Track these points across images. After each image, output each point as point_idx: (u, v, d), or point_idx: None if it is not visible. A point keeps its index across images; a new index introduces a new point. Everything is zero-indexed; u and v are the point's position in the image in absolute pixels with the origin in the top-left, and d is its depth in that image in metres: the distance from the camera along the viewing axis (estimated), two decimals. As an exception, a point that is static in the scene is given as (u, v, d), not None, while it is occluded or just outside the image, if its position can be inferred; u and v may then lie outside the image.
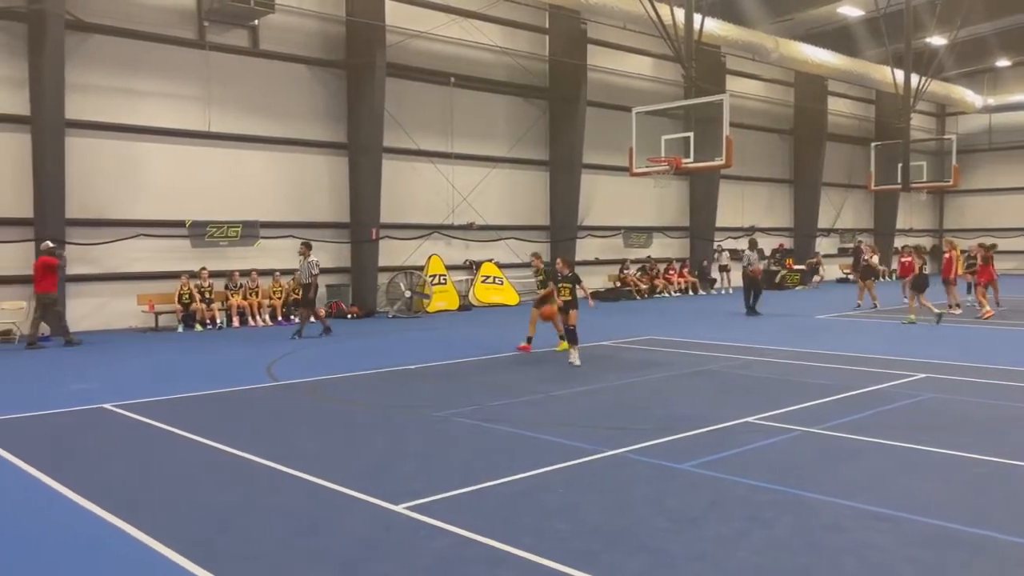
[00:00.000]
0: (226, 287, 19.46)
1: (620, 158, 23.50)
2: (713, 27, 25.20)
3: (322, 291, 21.49)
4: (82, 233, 17.64)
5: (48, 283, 15.74)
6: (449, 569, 4.85)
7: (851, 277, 32.03)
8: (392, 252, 22.53)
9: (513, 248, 25.67)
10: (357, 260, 22.01)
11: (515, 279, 25.35)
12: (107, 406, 9.70)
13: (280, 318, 19.86)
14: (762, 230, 33.59)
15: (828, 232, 37.02)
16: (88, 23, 17.64)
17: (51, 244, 16.08)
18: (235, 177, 20.00)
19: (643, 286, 27.54)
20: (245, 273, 19.72)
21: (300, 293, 17.29)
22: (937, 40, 31.47)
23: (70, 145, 17.23)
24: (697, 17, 21.15)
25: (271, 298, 19.98)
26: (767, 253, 32.18)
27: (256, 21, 19.96)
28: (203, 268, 18.81)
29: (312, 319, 17.02)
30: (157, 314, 18.54)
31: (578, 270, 26.33)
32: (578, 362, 12.29)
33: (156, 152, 18.81)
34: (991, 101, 39.19)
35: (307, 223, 21.24)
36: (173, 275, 18.67)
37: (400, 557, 5.01)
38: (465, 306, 23.43)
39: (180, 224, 19.05)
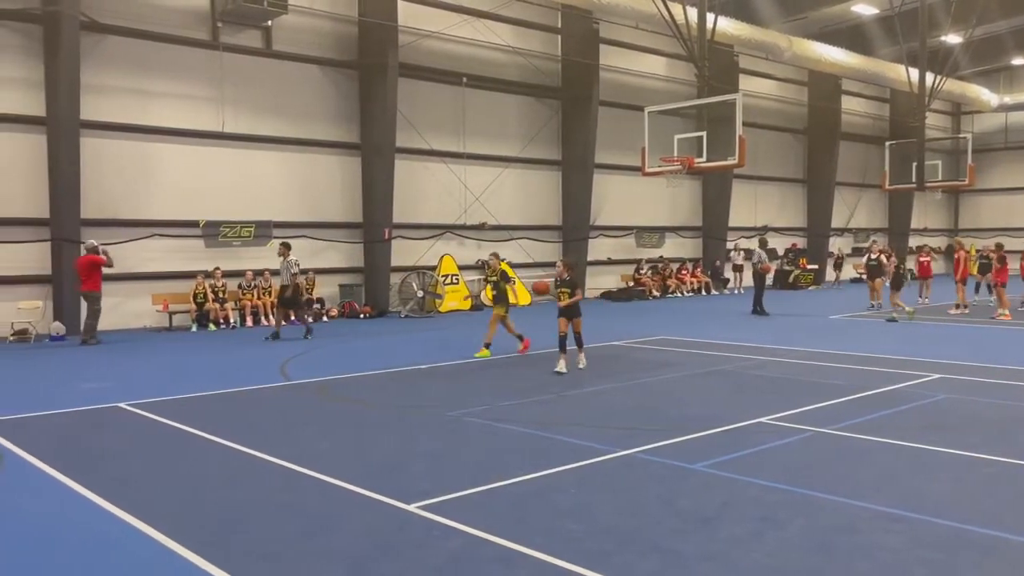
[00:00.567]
0: (239, 287, 19.56)
1: (633, 158, 23.49)
2: (726, 26, 25.14)
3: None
4: (97, 233, 17.72)
5: (93, 282, 16.09)
6: (462, 569, 4.86)
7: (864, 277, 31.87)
8: (404, 252, 22.58)
9: (525, 248, 25.69)
10: (370, 260, 22.07)
11: (528, 279, 25.34)
12: (122, 405, 9.77)
13: (293, 318, 19.91)
14: (775, 230, 33.48)
15: (842, 232, 36.83)
16: (103, 24, 17.77)
17: (95, 243, 16.31)
18: (248, 177, 20.10)
19: (654, 287, 27.47)
20: (258, 273, 19.81)
21: (280, 294, 16.81)
22: (952, 38, 31.26)
23: (85, 145, 17.36)
24: (710, 16, 21.09)
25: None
26: (780, 253, 32.10)
27: (269, 22, 20.06)
28: (216, 268, 18.91)
29: (295, 320, 16.87)
30: (171, 314, 18.66)
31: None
32: (584, 364, 12.11)
33: (170, 152, 18.93)
34: (1007, 100, 38.91)
35: (320, 223, 21.34)
36: (187, 275, 18.79)
37: (413, 556, 5.02)
38: (477, 306, 23.45)
39: (194, 224, 19.16)
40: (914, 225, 39.61)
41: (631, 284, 27.57)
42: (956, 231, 42.24)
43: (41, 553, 5.24)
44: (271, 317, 19.59)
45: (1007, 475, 6.71)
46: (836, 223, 35.87)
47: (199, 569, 4.86)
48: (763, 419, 8.62)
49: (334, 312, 21.12)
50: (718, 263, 30.41)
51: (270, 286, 19.82)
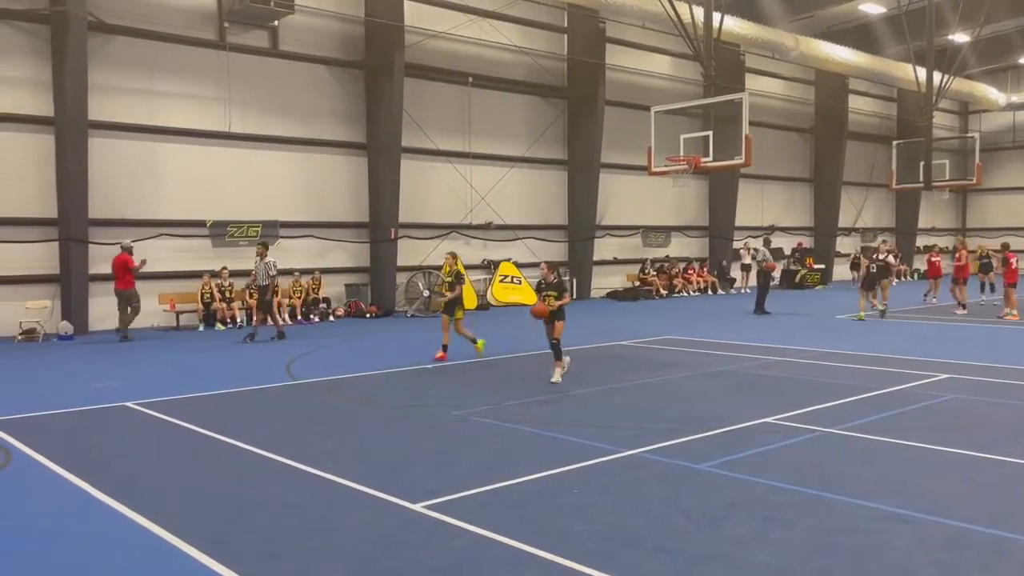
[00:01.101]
0: (246, 286, 19.58)
1: (639, 157, 23.47)
2: (732, 25, 25.07)
3: (340, 290, 21.66)
4: (104, 233, 17.82)
5: (124, 281, 16.44)
6: (468, 568, 4.86)
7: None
8: (410, 252, 22.60)
9: (531, 248, 25.69)
10: (376, 260, 22.10)
11: (533, 279, 25.31)
12: (129, 404, 9.80)
13: (300, 317, 19.98)
14: (782, 229, 33.40)
15: (849, 231, 36.72)
16: (110, 24, 17.82)
17: (130, 243, 16.57)
18: (255, 177, 20.14)
19: (660, 287, 27.45)
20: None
21: (256, 295, 16.51)
22: (960, 37, 31.14)
23: (93, 145, 17.42)
24: (716, 15, 21.05)
25: (290, 297, 20.10)
26: (786, 252, 32.02)
27: (276, 22, 20.10)
28: (224, 268, 18.95)
29: (269, 321, 16.75)
30: (178, 313, 18.71)
31: (596, 269, 26.95)
32: (559, 379, 10.98)
33: (177, 152, 18.98)
34: (1015, 99, 38.72)
35: (326, 223, 21.37)
36: (194, 275, 18.84)
37: (418, 556, 5.03)
38: (483, 305, 23.45)
39: (201, 224, 19.22)
40: (921, 225, 39.49)
41: (637, 284, 27.54)
42: (964, 231, 42.07)
43: (48, 550, 5.26)
44: (278, 317, 19.62)
45: (1016, 476, 6.69)
46: (843, 223, 35.77)
47: (206, 567, 4.88)
48: (769, 419, 8.60)
49: (340, 312, 21.15)
50: (724, 263, 30.35)
51: (276, 286, 19.82)
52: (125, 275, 16.45)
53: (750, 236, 31.66)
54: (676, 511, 5.79)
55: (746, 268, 29.47)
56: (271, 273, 16.11)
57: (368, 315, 21.06)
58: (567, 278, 24.15)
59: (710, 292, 29.02)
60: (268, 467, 7.08)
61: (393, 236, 21.69)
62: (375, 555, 5.06)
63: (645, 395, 10.33)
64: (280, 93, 20.47)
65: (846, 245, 36.18)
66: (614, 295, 26.94)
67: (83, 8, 16.91)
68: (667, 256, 29.07)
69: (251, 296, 18.45)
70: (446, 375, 12.00)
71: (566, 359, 11.33)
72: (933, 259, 24.03)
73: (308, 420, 9.08)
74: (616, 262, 27.98)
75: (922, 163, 30.27)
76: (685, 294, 28.11)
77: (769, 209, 33.41)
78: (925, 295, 23.85)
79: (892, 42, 32.08)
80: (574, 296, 26.46)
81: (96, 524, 5.71)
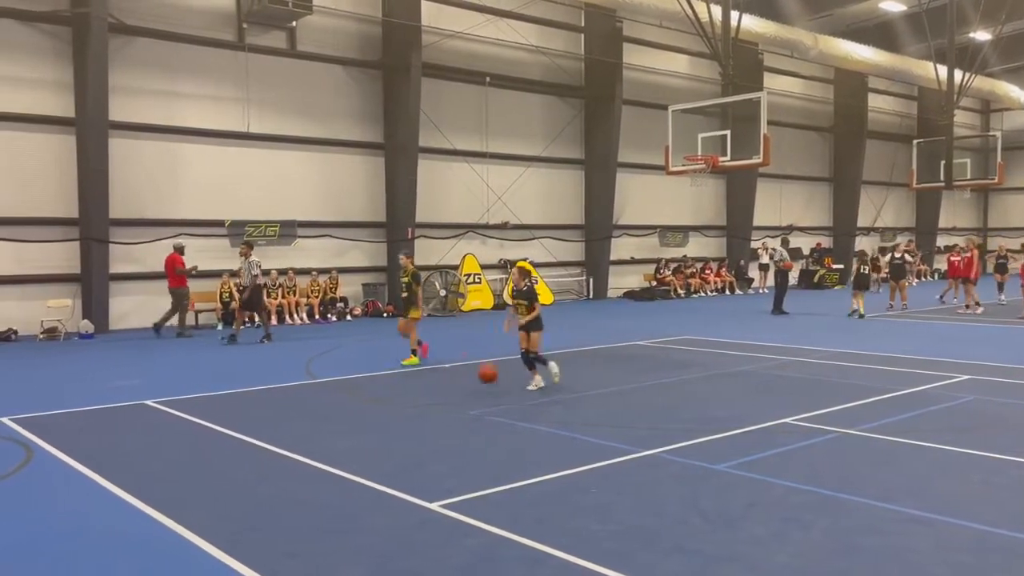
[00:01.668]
0: (264, 286, 19.68)
1: (656, 157, 23.40)
2: (750, 24, 24.95)
3: (357, 289, 21.74)
4: (125, 232, 17.98)
5: (174, 280, 16.81)
6: (485, 568, 4.87)
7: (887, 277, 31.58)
8: (427, 251, 22.65)
9: (548, 247, 25.68)
10: (393, 259, 22.03)
11: (550, 278, 25.36)
12: (149, 403, 9.89)
13: (317, 316, 20.08)
14: (800, 229, 33.20)
15: (868, 231, 36.44)
16: (131, 26, 17.98)
17: (181, 243, 16.91)
18: (273, 177, 20.26)
19: (678, 286, 27.36)
20: (282, 272, 19.97)
21: (240, 295, 16.26)
22: (981, 35, 30.80)
23: (113, 146, 17.57)
24: (734, 14, 20.95)
25: (308, 297, 20.21)
26: (805, 252, 31.82)
27: (294, 22, 20.19)
28: (242, 267, 19.01)
29: (253, 322, 16.68)
30: (197, 312, 18.85)
31: (613, 269, 26.90)
32: (542, 384, 10.40)
33: (196, 153, 19.12)
34: (1037, 97, 38.26)
35: (344, 223, 21.46)
36: (213, 274, 18.95)
37: (435, 555, 5.04)
38: (500, 305, 23.46)
39: (220, 224, 19.34)
40: (942, 224, 39.12)
41: (654, 283, 27.47)
42: (985, 230, 41.63)
43: (68, 548, 5.32)
44: (296, 316, 19.76)
45: (1037, 478, 6.62)
46: (862, 222, 35.50)
47: (226, 566, 4.91)
48: (787, 420, 8.56)
49: (357, 311, 21.23)
50: (742, 262, 30.20)
51: (294, 285, 19.98)
52: (174, 274, 16.85)
53: (768, 236, 31.47)
54: (694, 511, 5.78)
55: (764, 268, 29.32)
56: (253, 272, 15.81)
57: (385, 314, 21.12)
58: (535, 283, 23.77)
59: (728, 292, 28.89)
60: (287, 466, 7.12)
61: (410, 236, 21.74)
62: (393, 554, 5.08)
63: (662, 395, 10.30)
64: (298, 93, 20.57)
65: (865, 245, 35.86)
66: (631, 295, 26.88)
67: (104, 10, 17.06)
68: (684, 256, 28.96)
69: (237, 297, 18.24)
70: (462, 375, 12.01)
71: (553, 365, 10.61)
72: (952, 259, 23.82)
73: (326, 419, 9.12)
74: (633, 262, 27.92)
75: (943, 162, 29.98)
76: (702, 294, 28.00)
77: (788, 209, 33.21)
78: (942, 295, 23.64)
79: (912, 40, 31.78)
80: (590, 296, 26.49)
81: (115, 521, 5.77)
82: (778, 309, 20.53)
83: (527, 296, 10.56)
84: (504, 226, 24.47)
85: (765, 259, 29.15)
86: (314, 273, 20.45)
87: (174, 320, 17.21)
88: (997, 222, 41.88)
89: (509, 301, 10.77)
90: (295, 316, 19.79)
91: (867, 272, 20.60)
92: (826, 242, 34.31)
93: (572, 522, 5.57)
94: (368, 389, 10.90)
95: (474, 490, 6.24)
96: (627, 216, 27.52)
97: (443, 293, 21.81)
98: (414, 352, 12.81)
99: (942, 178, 30.20)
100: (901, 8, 30.11)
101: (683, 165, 20.31)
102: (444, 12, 22.72)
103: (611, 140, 25.69)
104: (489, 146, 23.95)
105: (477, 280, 23.35)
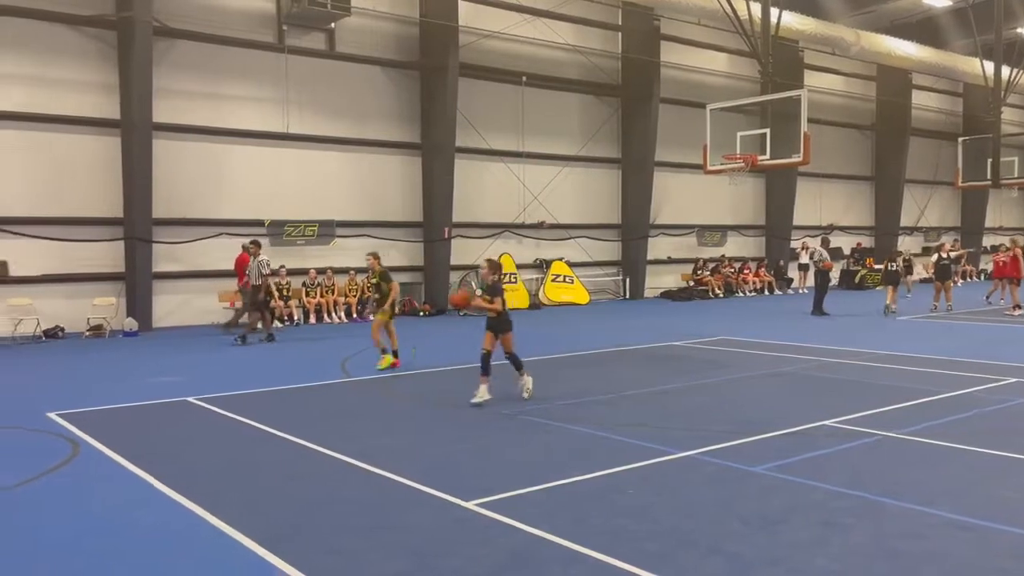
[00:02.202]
0: (303, 285, 19.94)
1: (694, 155, 23.23)
2: (791, 21, 24.64)
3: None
4: (168, 232, 18.31)
5: (243, 279, 16.71)
6: (522, 566, 4.88)
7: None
8: (464, 251, 22.73)
9: (584, 247, 25.62)
10: (429, 258, 22.30)
11: (586, 278, 25.30)
12: (190, 399, 10.07)
13: (355, 315, 20.26)
14: (841, 228, 32.71)
15: (911, 231, 35.77)
16: (174, 29, 18.29)
17: (250, 243, 16.87)
18: (312, 177, 20.48)
19: (716, 286, 27.13)
20: (321, 271, 20.18)
21: (251, 294, 16.07)
22: (1030, 30, 30.09)
23: (157, 147, 17.90)
24: (774, 11, 20.72)
25: (346, 296, 20.40)
26: (845, 252, 31.34)
27: (333, 24, 20.40)
28: (282, 266, 19.28)
29: (292, 320, 16.48)
30: (237, 310, 19.08)
31: (650, 268, 26.76)
32: (528, 392, 9.74)
33: (237, 154, 19.41)
34: (1089, 93, 37.23)
35: (381, 222, 21.62)
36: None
37: (472, 553, 5.06)
38: (535, 305, 23.48)
39: (259, 223, 19.59)
40: (988, 224, 38.24)
41: (691, 283, 27.26)
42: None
43: (112, 540, 5.44)
44: (334, 315, 19.96)
45: (1087, 484, 6.45)
46: (905, 222, 34.85)
47: (265, 561, 4.98)
48: (827, 422, 8.44)
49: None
50: (782, 262, 29.84)
51: (332, 284, 20.17)
52: (243, 272, 16.69)
53: (808, 235, 31.05)
54: (732, 514, 5.72)
55: (804, 268, 28.92)
56: (263, 272, 15.83)
57: (421, 313, 21.25)
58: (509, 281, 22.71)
59: (767, 292, 28.57)
60: (324, 463, 7.20)
61: (447, 235, 21.84)
62: (431, 552, 5.11)
63: (700, 396, 10.22)
64: (336, 94, 20.77)
65: (909, 245, 35.21)
66: (668, 295, 26.71)
67: (148, 13, 17.38)
68: (723, 256, 28.70)
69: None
70: (499, 374, 12.01)
71: (527, 378, 9.84)
72: (998, 259, 23.30)
73: (361, 416, 9.20)
74: (670, 261, 27.74)
75: (989, 160, 29.35)
76: (741, 294, 27.73)
77: (828, 208, 32.73)
78: (988, 296, 23.13)
79: (958, 35, 31.18)
80: (626, 296, 26.36)
81: (161, 517, 5.87)
82: (818, 310, 20.25)
83: (491, 292, 9.84)
84: (540, 226, 24.46)
85: (805, 259, 28.76)
86: (352, 272, 20.64)
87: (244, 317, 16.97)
88: (1046, 221, 40.83)
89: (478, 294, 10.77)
90: (333, 315, 19.98)
91: (895, 269, 20.64)
92: (868, 242, 33.75)
93: (609, 522, 5.55)
94: (403, 387, 10.98)
95: (509, 489, 6.25)
96: (664, 215, 27.35)
97: (479, 292, 21.82)
98: (385, 351, 12.43)
99: (988, 177, 29.56)
100: (946, 3, 29.50)
101: (721, 164, 20.14)
102: (481, 12, 22.78)
103: (648, 139, 25.55)
104: (525, 145, 23.97)
105: (512, 280, 23.35)
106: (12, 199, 16.74)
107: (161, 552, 5.23)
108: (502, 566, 4.87)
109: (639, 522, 5.56)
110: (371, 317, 9.33)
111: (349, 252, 20.92)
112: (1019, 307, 19.85)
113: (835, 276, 26.41)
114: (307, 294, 19.89)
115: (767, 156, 19.45)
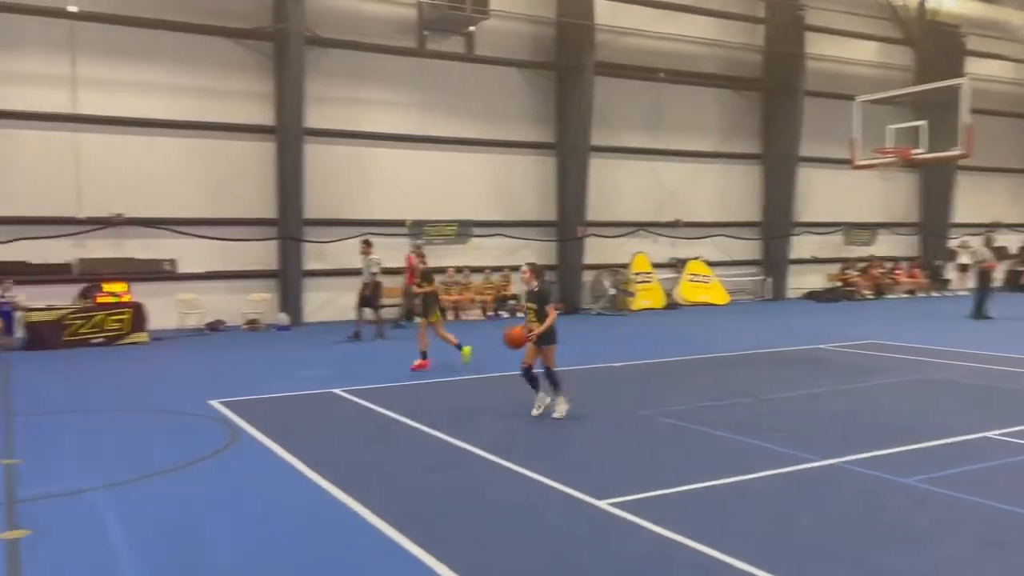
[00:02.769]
0: (442, 283, 20.44)
1: (839, 150, 22.21)
2: (950, 4, 23.13)
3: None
4: (317, 232, 19.26)
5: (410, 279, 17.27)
6: (654, 568, 4.86)
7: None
8: (597, 250, 22.67)
9: (722, 245, 24.99)
10: (563, 258, 22.38)
11: (724, 277, 24.66)
12: (337, 391, 10.56)
13: (490, 313, 20.62)
14: (1007, 226, 30.34)
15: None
16: (325, 38, 19.20)
17: (418, 243, 17.59)
18: (449, 178, 21.00)
19: (865, 287, 25.82)
20: (459, 270, 20.66)
21: (359, 292, 16.28)
22: None
23: (308, 151, 18.86)
24: (931, -5, 19.52)
25: (482, 294, 20.80)
26: (1011, 251, 29.09)
27: (471, 28, 20.80)
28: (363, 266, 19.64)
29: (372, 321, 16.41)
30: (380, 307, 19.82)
31: (793, 268, 25.80)
32: (561, 412, 8.79)
33: (380, 156, 20.16)
34: None
35: (516, 222, 21.89)
36: (395, 271, 19.82)
37: (605, 551, 5.08)
38: (671, 304, 23.11)
39: (400, 223, 20.24)
40: None
41: (838, 284, 26.07)
42: None
43: (264, 522, 5.80)
44: (470, 312, 20.37)
45: None
46: (1082, 218, 31.96)
47: (404, 550, 5.17)
48: (989, 434, 7.89)
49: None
50: (938, 262, 28.03)
51: (468, 283, 20.60)
52: (412, 274, 17.03)
53: (968, 234, 29.00)
54: (879, 526, 5.46)
55: (963, 268, 27.05)
56: (372, 271, 16.05)
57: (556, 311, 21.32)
58: (610, 283, 21.82)
59: (921, 294, 26.92)
60: (461, 456, 7.39)
61: (580, 234, 21.85)
62: (564, 548, 5.17)
63: (845, 402, 9.77)
64: (474, 96, 21.20)
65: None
66: (813, 295, 25.65)
67: (302, 24, 18.34)
68: (871, 255, 27.27)
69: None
70: (635, 374, 11.95)
71: (563, 404, 8.79)
72: None
73: (495, 413, 9.36)
74: (814, 261, 26.63)
75: None
76: (892, 296, 26.26)
77: (991, 204, 30.46)
78: None
79: None
80: (769, 296, 25.49)
81: (307, 499, 6.21)
82: (979, 313, 18.90)
83: (539, 299, 8.92)
84: (676, 224, 24.06)
85: (965, 259, 26.86)
86: (487, 271, 21.00)
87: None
88: None
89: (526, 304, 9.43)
90: (469, 312, 20.40)
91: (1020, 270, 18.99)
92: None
93: (746, 528, 5.43)
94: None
95: (644, 490, 6.21)
96: (808, 213, 26.27)
97: (612, 292, 21.75)
98: (459, 346, 12.35)
99: None
100: None
101: (871, 158, 19.16)
102: (618, 10, 22.61)
103: (792, 133, 24.63)
104: (662, 142, 23.64)
105: (647, 279, 23.09)
106: (180, 202, 18.06)
107: (304, 530, 5.50)
108: (634, 566, 4.86)
109: (777, 530, 5.41)
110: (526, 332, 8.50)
111: (484, 251, 21.30)
112: None
113: (998, 277, 24.55)
114: (446, 292, 20.38)
115: (922, 150, 18.35)
